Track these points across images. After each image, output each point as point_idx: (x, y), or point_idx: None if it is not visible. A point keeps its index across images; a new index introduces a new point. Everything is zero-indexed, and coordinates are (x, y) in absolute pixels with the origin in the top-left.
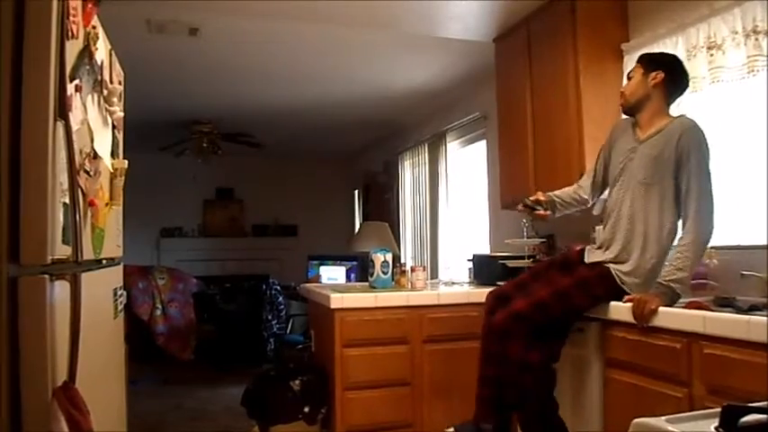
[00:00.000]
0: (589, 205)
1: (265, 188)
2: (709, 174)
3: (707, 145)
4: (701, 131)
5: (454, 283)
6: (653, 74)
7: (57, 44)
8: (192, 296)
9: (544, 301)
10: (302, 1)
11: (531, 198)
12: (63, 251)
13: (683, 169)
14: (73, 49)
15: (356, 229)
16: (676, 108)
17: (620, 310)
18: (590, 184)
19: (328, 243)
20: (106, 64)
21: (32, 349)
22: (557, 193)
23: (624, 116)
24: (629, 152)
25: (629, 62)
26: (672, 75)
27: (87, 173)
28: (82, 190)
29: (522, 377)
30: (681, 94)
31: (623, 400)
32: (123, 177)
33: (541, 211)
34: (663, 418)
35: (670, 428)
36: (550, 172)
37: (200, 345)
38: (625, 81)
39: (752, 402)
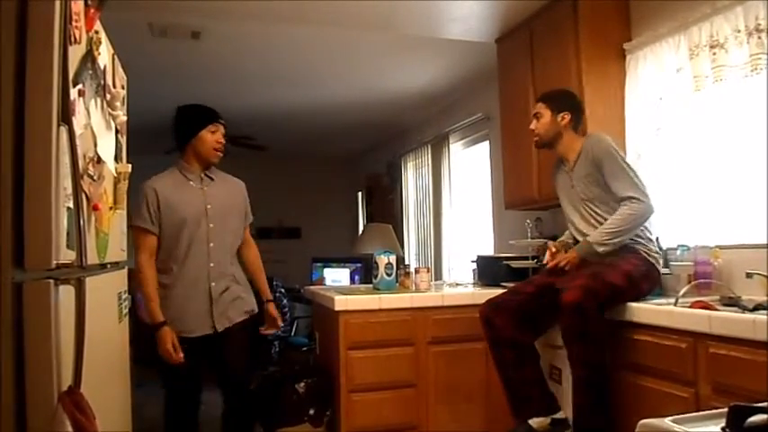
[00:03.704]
0: None
1: (269, 191)
2: (626, 166)
3: (613, 145)
4: (604, 139)
5: (458, 284)
6: (561, 115)
7: (59, 49)
8: None
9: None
10: (304, 2)
11: (546, 259)
12: (67, 256)
13: (605, 171)
14: (76, 53)
15: (360, 231)
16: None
17: (624, 311)
18: None
19: (332, 245)
20: (109, 68)
21: (37, 354)
22: (565, 237)
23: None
24: (570, 181)
25: (632, 61)
26: (575, 112)
27: (91, 177)
28: (86, 194)
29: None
30: (581, 120)
31: (629, 400)
32: (127, 181)
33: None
34: (669, 418)
35: (676, 429)
36: None
37: None
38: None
39: (758, 402)
